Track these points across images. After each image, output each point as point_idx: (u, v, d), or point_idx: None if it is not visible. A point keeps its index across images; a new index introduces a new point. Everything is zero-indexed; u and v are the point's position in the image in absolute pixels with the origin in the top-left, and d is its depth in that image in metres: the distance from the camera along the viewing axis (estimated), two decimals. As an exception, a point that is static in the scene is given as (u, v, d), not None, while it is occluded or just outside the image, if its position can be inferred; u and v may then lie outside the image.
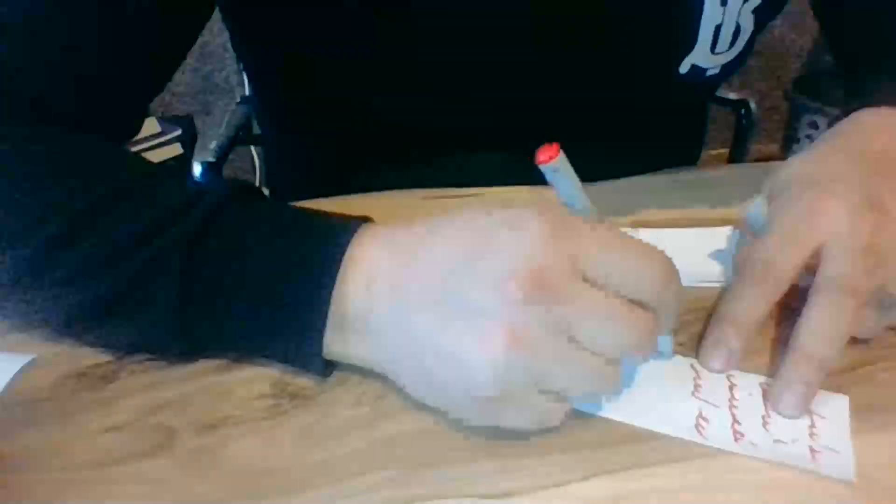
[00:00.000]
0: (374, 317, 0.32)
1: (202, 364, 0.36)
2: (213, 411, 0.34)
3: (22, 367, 0.36)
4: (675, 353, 0.37)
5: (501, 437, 0.32)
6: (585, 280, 0.30)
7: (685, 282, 0.42)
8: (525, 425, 0.31)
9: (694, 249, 0.46)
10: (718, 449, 0.31)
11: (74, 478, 0.31)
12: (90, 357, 0.37)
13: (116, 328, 0.36)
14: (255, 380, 0.36)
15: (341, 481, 0.30)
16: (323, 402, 0.34)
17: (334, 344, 0.33)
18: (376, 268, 0.33)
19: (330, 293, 0.32)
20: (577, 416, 0.33)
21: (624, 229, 0.47)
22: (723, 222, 0.48)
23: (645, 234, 0.48)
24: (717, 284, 0.43)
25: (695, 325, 0.39)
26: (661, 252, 0.32)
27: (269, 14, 0.51)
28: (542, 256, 0.29)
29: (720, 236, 0.47)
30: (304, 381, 0.35)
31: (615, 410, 0.33)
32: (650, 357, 0.35)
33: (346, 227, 0.34)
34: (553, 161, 0.31)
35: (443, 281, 0.30)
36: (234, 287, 0.33)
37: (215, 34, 1.57)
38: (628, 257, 0.31)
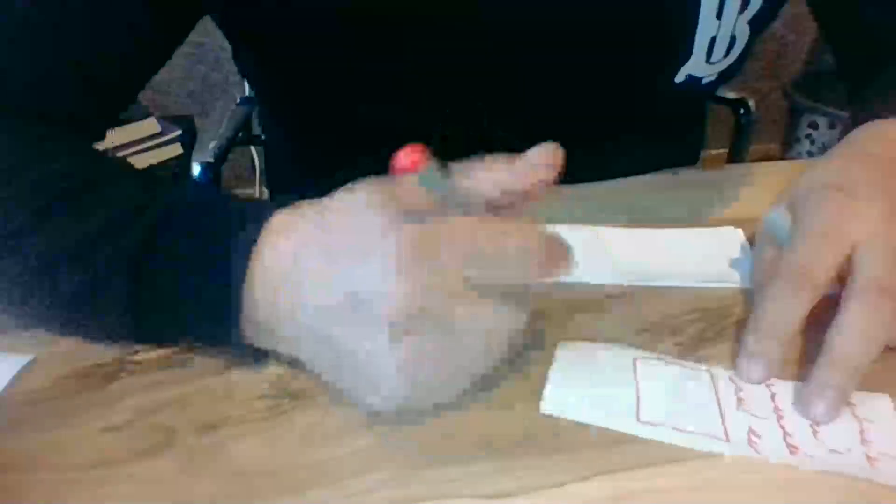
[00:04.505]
0: (269, 322, 0.33)
1: (202, 364, 0.36)
2: (213, 411, 0.34)
3: (22, 367, 0.36)
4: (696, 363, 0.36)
5: (501, 437, 0.32)
6: (465, 279, 0.30)
7: (685, 282, 0.43)
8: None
9: (694, 249, 0.46)
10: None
11: (74, 478, 0.31)
12: (90, 357, 0.37)
13: (73, 322, 0.37)
14: (255, 380, 0.36)
15: (341, 481, 0.30)
16: (323, 402, 0.34)
17: (257, 339, 0.34)
18: (269, 274, 0.33)
19: (239, 297, 0.33)
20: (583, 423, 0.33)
21: (622, 229, 0.48)
22: (723, 222, 0.48)
23: (645, 234, 0.48)
24: (716, 285, 0.43)
25: (695, 325, 0.39)
26: (518, 225, 0.31)
27: (264, 28, 0.51)
28: (409, 279, 0.29)
29: (721, 236, 0.47)
30: (304, 381, 0.35)
31: (663, 433, 0.32)
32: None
33: (252, 227, 0.34)
34: (418, 168, 0.31)
35: (324, 311, 0.31)
36: (169, 283, 0.34)
37: (215, 35, 1.57)
38: (491, 244, 0.30)
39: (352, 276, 0.30)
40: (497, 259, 0.30)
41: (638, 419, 0.33)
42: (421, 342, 0.30)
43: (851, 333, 0.33)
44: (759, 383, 0.35)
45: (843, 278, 0.35)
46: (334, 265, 0.31)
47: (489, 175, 0.33)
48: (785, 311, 0.35)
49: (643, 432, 0.32)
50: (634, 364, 0.36)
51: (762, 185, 0.56)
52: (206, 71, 1.74)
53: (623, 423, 0.33)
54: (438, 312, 0.29)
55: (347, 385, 0.32)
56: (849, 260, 0.35)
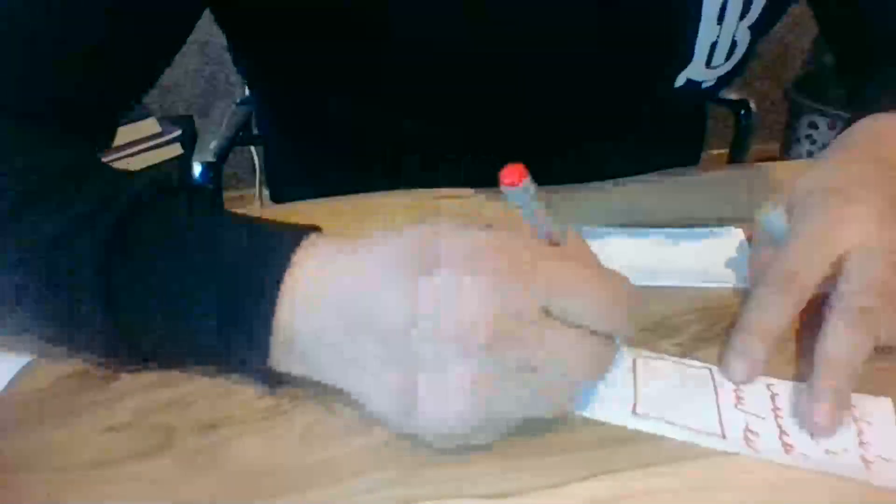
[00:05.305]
0: (311, 348, 0.32)
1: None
2: (213, 411, 0.34)
3: (22, 367, 0.36)
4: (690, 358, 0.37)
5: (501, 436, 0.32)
6: (546, 314, 0.29)
7: (685, 282, 0.43)
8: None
9: (694, 249, 0.46)
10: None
11: (74, 478, 0.31)
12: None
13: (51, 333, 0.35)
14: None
15: (341, 481, 0.30)
16: (323, 402, 0.34)
17: (279, 364, 0.33)
18: (312, 303, 0.31)
19: (270, 323, 0.31)
20: (581, 416, 0.33)
21: (622, 229, 0.48)
22: (723, 222, 0.48)
23: (645, 234, 0.48)
24: (716, 285, 0.43)
25: (695, 325, 0.39)
26: (616, 279, 0.31)
27: (258, 22, 0.51)
28: (499, 304, 0.28)
29: (721, 237, 0.47)
30: (304, 381, 0.35)
31: (657, 427, 0.32)
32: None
33: (286, 244, 0.32)
34: (519, 185, 0.29)
35: (391, 335, 0.29)
36: (159, 304, 0.32)
37: (216, 34, 1.57)
38: (583, 292, 0.30)
39: (420, 289, 0.29)
40: (578, 304, 0.29)
41: (634, 412, 0.33)
42: (486, 369, 0.28)
43: (843, 337, 0.33)
44: (744, 382, 0.35)
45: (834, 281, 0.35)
46: (401, 279, 0.29)
47: None
48: (771, 314, 0.35)
49: (638, 425, 0.32)
50: (634, 363, 0.36)
51: (762, 185, 0.56)
52: (207, 71, 1.74)
53: (618, 416, 0.33)
54: (514, 339, 0.28)
55: (384, 407, 0.31)
56: (839, 263, 0.35)
